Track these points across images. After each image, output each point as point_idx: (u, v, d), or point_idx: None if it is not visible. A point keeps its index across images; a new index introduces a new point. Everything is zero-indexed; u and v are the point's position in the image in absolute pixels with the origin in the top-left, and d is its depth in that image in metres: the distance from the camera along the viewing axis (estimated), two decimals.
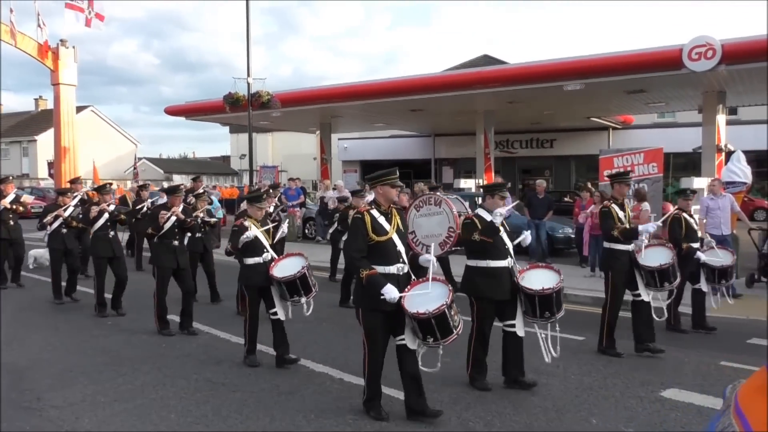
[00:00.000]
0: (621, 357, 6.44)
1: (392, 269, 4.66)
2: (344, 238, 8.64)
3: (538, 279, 5.44)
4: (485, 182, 20.78)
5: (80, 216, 9.45)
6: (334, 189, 16.70)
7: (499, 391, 5.46)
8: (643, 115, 27.32)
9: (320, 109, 21.45)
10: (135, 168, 28.61)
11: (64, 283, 9.65)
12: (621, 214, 6.64)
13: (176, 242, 7.54)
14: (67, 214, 9.53)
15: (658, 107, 22.68)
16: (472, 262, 5.54)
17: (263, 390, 5.48)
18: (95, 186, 13.75)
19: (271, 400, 5.22)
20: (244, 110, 17.30)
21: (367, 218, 4.68)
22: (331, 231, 10.09)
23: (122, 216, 8.73)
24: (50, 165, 26.77)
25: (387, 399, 5.25)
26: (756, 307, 8.64)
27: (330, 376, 5.86)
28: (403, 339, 4.73)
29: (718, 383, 5.52)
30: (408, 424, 4.71)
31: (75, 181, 12.64)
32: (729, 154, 13.84)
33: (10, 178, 11.73)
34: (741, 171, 11.50)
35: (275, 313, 6.17)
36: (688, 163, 23.69)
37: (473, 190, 21.66)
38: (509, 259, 5.45)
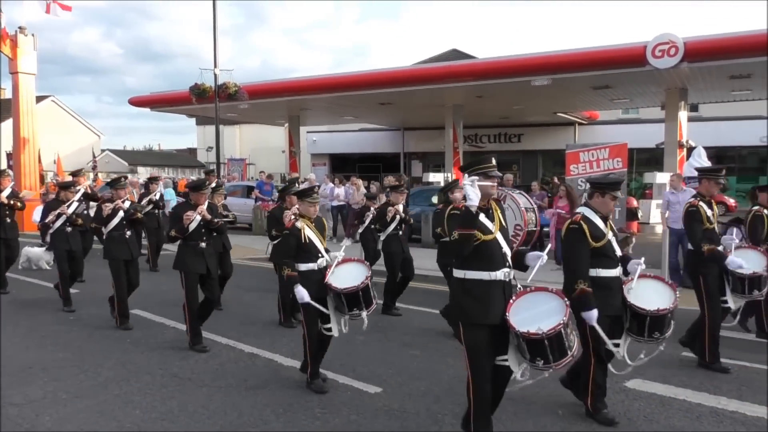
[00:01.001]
0: (728, 373, 5.68)
1: (498, 275, 3.84)
2: (382, 237, 8.32)
3: (648, 293, 4.55)
4: (454, 176, 20.93)
5: (84, 212, 8.67)
6: (303, 182, 16.59)
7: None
8: (608, 111, 27.81)
9: (288, 101, 21.28)
10: (94, 161, 27.83)
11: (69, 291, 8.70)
12: (709, 212, 5.78)
13: (203, 244, 6.64)
14: (70, 210, 8.48)
15: (622, 103, 23.11)
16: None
17: (231, 385, 5.41)
18: (58, 180, 13.23)
19: (238, 395, 5.17)
20: (210, 102, 17.05)
21: None
22: (360, 231, 9.04)
23: (139, 214, 7.79)
24: (9, 156, 25.93)
25: (356, 393, 5.25)
26: None
27: (298, 370, 5.81)
28: (506, 359, 3.93)
29: (680, 374, 5.68)
30: (378, 418, 4.70)
31: (77, 174, 11.46)
32: (690, 150, 14.18)
33: (7, 171, 10.41)
34: (702, 166, 11.78)
35: (329, 329, 5.30)
36: (651, 158, 24.23)
37: (442, 183, 21.79)
38: (620, 267, 4.58)
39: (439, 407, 4.90)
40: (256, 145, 44.05)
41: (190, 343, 6.52)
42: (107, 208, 7.43)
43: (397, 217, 8.21)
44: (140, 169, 47.62)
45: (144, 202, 11.40)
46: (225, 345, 6.66)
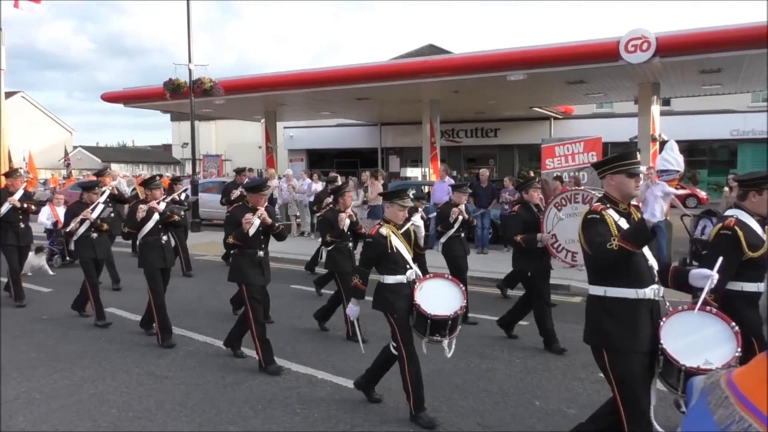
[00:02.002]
0: None
1: (647, 292, 3.25)
2: (442, 240, 7.71)
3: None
4: (431, 171, 21.00)
5: (110, 216, 7.82)
6: (280, 178, 16.51)
7: (445, 376, 5.53)
8: (583, 106, 28.09)
9: (265, 96, 21.10)
10: (66, 158, 27.33)
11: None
12: (760, 233, 3.91)
13: (261, 252, 5.86)
14: (95, 215, 7.58)
15: (596, 98, 23.35)
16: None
17: (209, 382, 5.38)
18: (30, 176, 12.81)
19: (216, 392, 5.14)
20: (185, 97, 16.84)
21: (609, 218, 3.28)
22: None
23: (176, 217, 6.96)
24: None
25: (336, 387, 5.25)
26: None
27: (277, 366, 5.79)
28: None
29: None
30: (357, 412, 4.71)
31: (102, 173, 10.52)
32: (663, 144, 14.39)
33: (19, 171, 9.32)
34: (674, 159, 11.97)
35: (396, 348, 4.66)
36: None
37: (419, 178, 21.84)
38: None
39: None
40: (233, 141, 43.69)
41: (262, 366, 5.67)
42: (141, 210, 6.61)
43: (460, 218, 7.61)
44: (114, 165, 46.89)
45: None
46: (202, 342, 6.61)
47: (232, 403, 4.88)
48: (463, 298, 4.54)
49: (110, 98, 23.11)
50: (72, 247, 7.80)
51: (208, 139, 44.91)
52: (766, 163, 26.22)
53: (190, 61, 15.93)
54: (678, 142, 12.75)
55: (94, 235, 7.59)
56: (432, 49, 28.71)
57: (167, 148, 58.41)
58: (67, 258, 11.61)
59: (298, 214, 15.93)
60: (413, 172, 23.34)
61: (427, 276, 4.74)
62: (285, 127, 33.59)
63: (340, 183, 10.58)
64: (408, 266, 4.71)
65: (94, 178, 9.30)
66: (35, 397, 5.03)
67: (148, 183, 7.02)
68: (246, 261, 5.78)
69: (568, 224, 6.27)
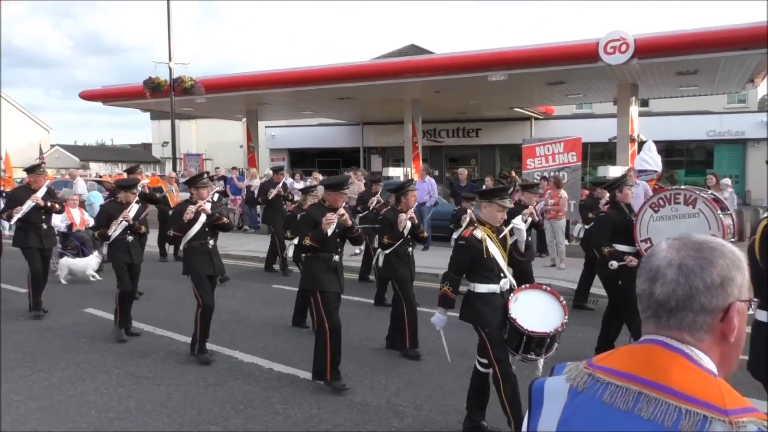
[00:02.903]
0: None
1: None
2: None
3: None
4: (414, 170, 21.05)
5: (144, 217, 7.23)
6: (262, 178, 16.43)
7: (427, 375, 5.57)
8: (563, 106, 28.33)
9: (246, 96, 20.97)
10: (41, 157, 26.80)
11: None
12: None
13: (337, 257, 5.34)
14: (132, 215, 6.95)
15: (576, 99, 23.57)
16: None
17: (190, 383, 5.36)
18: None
19: (198, 393, 5.12)
20: (165, 96, 16.70)
21: None
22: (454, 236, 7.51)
23: (225, 219, 6.42)
24: None
25: (318, 387, 5.26)
26: None
27: (259, 366, 5.80)
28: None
29: None
30: (339, 412, 4.73)
31: (134, 170, 9.78)
32: (641, 144, 14.59)
33: (42, 166, 8.41)
34: (652, 160, 12.18)
35: (487, 365, 4.26)
36: (605, 152, 24.85)
37: (401, 178, 21.88)
38: None
39: (399, 399, 4.96)
40: (214, 140, 43.35)
41: (336, 386, 5.19)
42: (189, 212, 5.96)
43: (529, 220, 7.28)
44: (92, 164, 46.32)
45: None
46: (183, 342, 6.57)
47: (214, 404, 4.87)
48: (564, 313, 4.04)
49: (89, 96, 22.80)
50: (105, 250, 7.07)
51: (189, 137, 44.50)
52: (741, 163, 26.72)
53: (170, 59, 15.80)
54: (656, 142, 12.96)
55: (130, 238, 6.97)
56: (414, 49, 28.76)
57: (147, 147, 57.78)
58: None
59: None
60: (395, 172, 23.33)
61: (523, 287, 4.32)
62: (266, 127, 33.40)
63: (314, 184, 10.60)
64: (502, 274, 4.28)
65: (125, 176, 8.58)
66: (13, 398, 4.97)
67: (194, 181, 6.28)
68: (321, 266, 5.23)
69: (666, 228, 5.55)
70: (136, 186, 7.33)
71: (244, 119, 26.02)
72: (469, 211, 7.89)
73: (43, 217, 7.87)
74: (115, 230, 6.85)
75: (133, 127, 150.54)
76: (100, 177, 27.44)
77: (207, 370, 5.68)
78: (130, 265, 6.99)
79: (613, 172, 16.86)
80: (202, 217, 6.10)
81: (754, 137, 26.04)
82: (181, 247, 6.18)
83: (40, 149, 29.31)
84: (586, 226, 8.45)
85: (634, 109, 18.30)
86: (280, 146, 34.64)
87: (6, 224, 9.74)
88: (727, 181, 11.16)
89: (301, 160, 34.44)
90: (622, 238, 5.79)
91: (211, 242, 6.23)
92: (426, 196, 13.22)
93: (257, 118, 25.72)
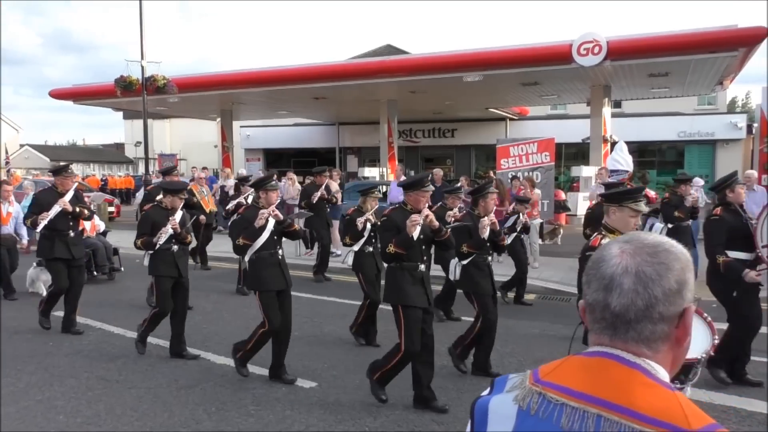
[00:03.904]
0: None
1: None
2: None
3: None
4: (389, 171, 21.07)
5: (189, 225, 6.55)
6: (250, 177, 16.28)
7: (402, 373, 5.55)
8: (538, 107, 28.61)
9: (220, 95, 20.82)
10: (7, 158, 26.05)
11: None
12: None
13: (423, 266, 4.89)
14: (178, 219, 6.21)
15: (550, 99, 23.84)
16: None
17: (161, 385, 5.28)
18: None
19: (169, 395, 5.05)
20: (137, 95, 16.46)
21: None
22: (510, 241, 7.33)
23: (296, 226, 5.79)
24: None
25: (291, 388, 5.22)
26: None
27: (231, 368, 5.70)
28: None
29: None
30: (312, 413, 4.70)
31: (170, 172, 9.04)
32: (613, 145, 14.80)
33: (70, 168, 7.45)
34: (623, 160, 12.33)
35: None
36: (578, 152, 25.16)
37: (377, 178, 21.87)
38: None
39: (373, 399, 4.93)
40: (188, 140, 42.87)
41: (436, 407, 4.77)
42: (262, 217, 5.28)
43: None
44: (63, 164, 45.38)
45: (231, 206, 9.24)
46: (155, 345, 6.47)
47: (185, 406, 4.81)
48: (712, 333, 3.45)
49: (59, 95, 22.40)
50: (146, 262, 6.21)
51: (163, 137, 43.96)
52: (711, 164, 27.24)
53: (142, 57, 15.58)
54: (629, 143, 13.14)
55: (175, 248, 6.17)
56: (390, 50, 28.78)
57: (120, 146, 56.93)
58: (95, 273, 10.04)
59: None
60: (371, 172, 23.35)
61: None
62: (242, 126, 33.16)
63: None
64: None
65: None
66: None
67: (262, 183, 5.56)
68: (406, 277, 4.75)
69: None
70: (183, 190, 6.54)
71: (219, 119, 25.78)
72: (455, 209, 7.44)
73: (71, 223, 7.05)
74: (162, 239, 6.05)
75: (105, 126, 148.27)
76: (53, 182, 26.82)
77: (179, 373, 5.60)
78: (176, 280, 6.16)
79: (587, 171, 17.13)
80: (270, 224, 5.36)
81: (723, 138, 26.59)
82: (246, 259, 5.44)
83: (6, 149, 28.55)
84: (669, 225, 8.26)
85: (607, 110, 18.58)
86: (255, 146, 34.40)
87: (24, 232, 9.13)
88: (699, 180, 11.37)
89: (277, 160, 34.25)
90: (738, 244, 5.20)
91: (281, 252, 5.54)
92: (401, 196, 13.22)
93: (232, 117, 25.55)
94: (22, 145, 47.78)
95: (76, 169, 42.97)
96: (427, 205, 4.89)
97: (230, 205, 9.30)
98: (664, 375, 1.05)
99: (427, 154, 32.26)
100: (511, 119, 29.29)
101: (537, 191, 11.25)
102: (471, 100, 22.47)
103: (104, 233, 10.82)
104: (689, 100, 27.53)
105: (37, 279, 8.91)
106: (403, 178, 14.37)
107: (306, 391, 5.15)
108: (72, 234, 7.05)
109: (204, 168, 19.54)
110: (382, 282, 5.29)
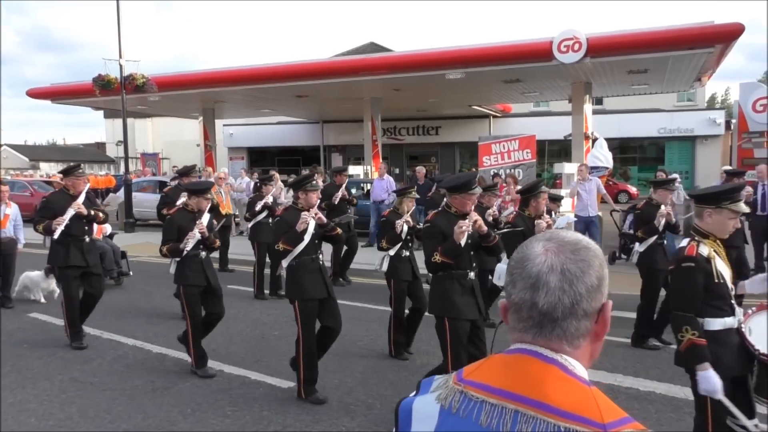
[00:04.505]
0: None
1: None
2: (641, 249, 6.42)
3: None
4: (373, 168, 21.03)
5: (216, 227, 6.19)
6: (236, 176, 16.16)
7: (380, 373, 5.55)
8: (521, 104, 28.72)
9: (202, 93, 20.62)
10: None
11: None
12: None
13: (473, 273, 4.59)
14: (205, 222, 5.71)
15: (533, 96, 23.93)
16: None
17: (136, 387, 5.21)
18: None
19: (144, 397, 4.98)
20: (116, 94, 16.27)
21: None
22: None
23: (338, 230, 5.30)
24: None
25: (269, 388, 5.18)
26: (616, 281, 9.38)
27: (209, 369, 5.67)
28: None
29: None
30: (289, 413, 4.66)
31: (190, 172, 8.47)
32: (594, 141, 14.89)
33: (81, 167, 6.87)
34: (603, 156, 12.45)
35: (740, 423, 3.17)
36: (561, 149, 25.29)
37: (361, 176, 21.84)
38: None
39: (351, 399, 4.92)
40: (170, 139, 42.52)
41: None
42: (303, 221, 4.87)
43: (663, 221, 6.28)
44: (42, 164, 44.91)
45: (258, 206, 8.85)
46: (131, 346, 6.40)
47: (160, 408, 4.75)
48: None
49: (37, 94, 22.06)
50: (172, 269, 5.76)
51: (145, 136, 43.57)
52: (691, 159, 27.54)
53: (120, 56, 15.39)
54: (610, 139, 13.25)
55: (203, 254, 5.70)
56: (373, 47, 28.75)
57: (101, 146, 56.33)
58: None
59: (237, 213, 15.64)
60: (355, 170, 23.29)
61: (749, 311, 3.36)
62: (225, 125, 32.95)
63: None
64: (733, 303, 3.25)
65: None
66: None
67: (301, 183, 5.11)
68: (455, 287, 4.40)
69: None
70: (209, 190, 5.99)
71: (201, 118, 25.58)
72: (493, 208, 7.40)
73: (86, 228, 6.56)
74: (189, 245, 5.55)
75: (86, 125, 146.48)
76: (49, 177, 26.62)
77: (155, 374, 5.53)
78: (205, 289, 5.66)
79: (569, 168, 17.20)
80: (311, 227, 4.95)
81: (702, 134, 26.89)
82: (284, 265, 5.04)
83: None
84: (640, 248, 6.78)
85: (588, 107, 18.67)
86: (238, 145, 34.22)
87: (22, 236, 8.56)
88: (676, 176, 11.46)
89: (261, 158, 34.09)
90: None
91: (321, 258, 5.13)
92: (384, 194, 13.21)
93: (214, 116, 25.34)
94: (0, 145, 47.04)
95: (56, 168, 42.48)
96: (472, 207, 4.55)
97: (258, 206, 8.87)
98: (581, 370, 1.06)
99: (412, 152, 32.29)
100: (494, 116, 29.39)
101: (519, 188, 11.27)
102: (454, 97, 22.49)
103: (111, 236, 10.28)
104: (669, 97, 27.82)
105: (36, 286, 8.48)
106: (386, 176, 14.34)
107: (284, 391, 5.11)
108: (87, 239, 6.57)
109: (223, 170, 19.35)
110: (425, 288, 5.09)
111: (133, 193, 16.61)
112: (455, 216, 4.42)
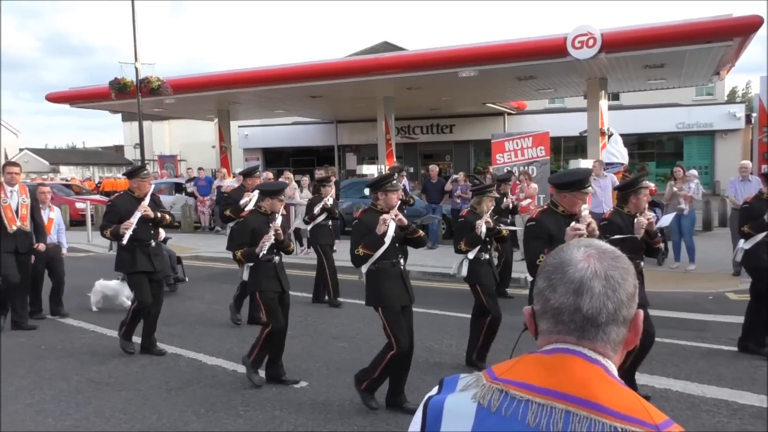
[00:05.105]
0: None
1: None
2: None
3: None
4: (388, 167, 21.03)
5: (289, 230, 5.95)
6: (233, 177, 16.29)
7: None
8: (536, 101, 28.52)
9: (216, 95, 20.77)
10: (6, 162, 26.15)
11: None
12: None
13: (402, 262, 4.81)
14: (278, 223, 5.41)
15: (547, 93, 23.74)
16: None
17: (151, 387, 5.27)
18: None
19: (159, 397, 5.03)
20: (132, 97, 16.44)
21: None
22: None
23: (420, 232, 5.03)
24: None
25: (282, 388, 5.20)
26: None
27: (223, 369, 5.73)
28: None
29: None
30: (301, 412, 4.68)
31: (252, 173, 8.10)
32: (610, 137, 14.75)
33: (146, 170, 6.72)
34: (618, 152, 12.33)
35: None
36: (577, 146, 25.09)
37: (375, 175, 21.85)
38: None
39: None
40: (187, 141, 42.88)
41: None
42: (384, 223, 4.60)
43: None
44: (63, 168, 45.53)
45: (317, 209, 8.36)
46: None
47: (174, 408, 4.79)
48: None
49: (55, 98, 22.39)
50: (245, 275, 5.54)
51: (162, 139, 43.97)
52: (710, 154, 27.16)
53: (136, 59, 15.55)
54: (627, 135, 13.11)
55: (277, 258, 5.46)
56: (387, 47, 28.72)
57: (119, 149, 56.96)
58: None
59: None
60: (369, 170, 23.31)
61: None
62: (240, 126, 33.17)
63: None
64: None
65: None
66: None
67: (380, 184, 4.86)
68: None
69: None
70: (284, 191, 5.72)
71: (216, 119, 25.77)
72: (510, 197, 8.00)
73: (152, 231, 6.31)
74: (265, 248, 5.26)
75: (104, 129, 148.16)
76: (68, 181, 26.95)
77: (169, 374, 5.59)
78: (281, 296, 5.42)
79: (585, 165, 17.04)
80: (391, 230, 4.68)
81: (722, 129, 26.50)
82: (364, 270, 4.79)
83: (5, 154, 28.61)
84: None
85: (604, 103, 18.48)
86: (253, 146, 34.42)
87: (65, 241, 8.39)
88: (694, 172, 11.33)
89: (276, 159, 34.25)
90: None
91: (402, 262, 4.88)
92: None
93: (229, 117, 25.50)
94: (21, 149, 47.81)
95: (76, 171, 43.05)
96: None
97: (317, 209, 8.30)
98: (617, 376, 1.07)
99: (426, 151, 32.23)
100: (509, 114, 29.23)
101: (534, 185, 11.22)
102: (468, 95, 22.41)
103: (165, 240, 9.39)
104: (687, 91, 27.45)
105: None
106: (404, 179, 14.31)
107: (297, 390, 5.13)
108: (153, 243, 6.30)
109: (200, 168, 19.50)
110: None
111: None
112: (562, 216, 4.16)
